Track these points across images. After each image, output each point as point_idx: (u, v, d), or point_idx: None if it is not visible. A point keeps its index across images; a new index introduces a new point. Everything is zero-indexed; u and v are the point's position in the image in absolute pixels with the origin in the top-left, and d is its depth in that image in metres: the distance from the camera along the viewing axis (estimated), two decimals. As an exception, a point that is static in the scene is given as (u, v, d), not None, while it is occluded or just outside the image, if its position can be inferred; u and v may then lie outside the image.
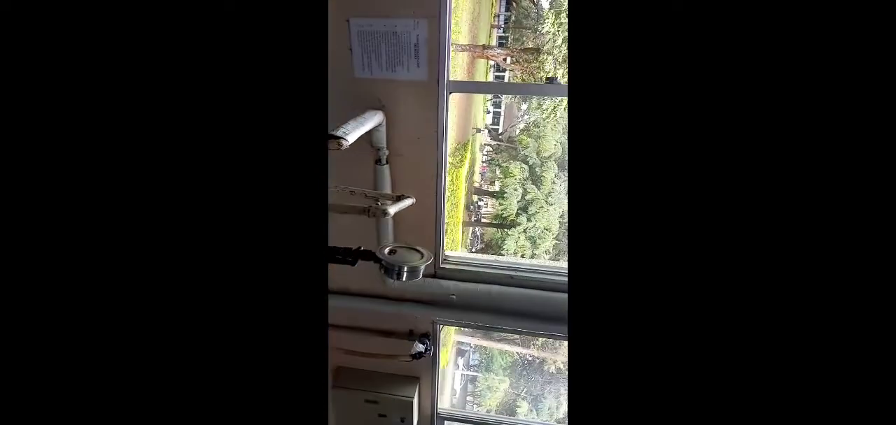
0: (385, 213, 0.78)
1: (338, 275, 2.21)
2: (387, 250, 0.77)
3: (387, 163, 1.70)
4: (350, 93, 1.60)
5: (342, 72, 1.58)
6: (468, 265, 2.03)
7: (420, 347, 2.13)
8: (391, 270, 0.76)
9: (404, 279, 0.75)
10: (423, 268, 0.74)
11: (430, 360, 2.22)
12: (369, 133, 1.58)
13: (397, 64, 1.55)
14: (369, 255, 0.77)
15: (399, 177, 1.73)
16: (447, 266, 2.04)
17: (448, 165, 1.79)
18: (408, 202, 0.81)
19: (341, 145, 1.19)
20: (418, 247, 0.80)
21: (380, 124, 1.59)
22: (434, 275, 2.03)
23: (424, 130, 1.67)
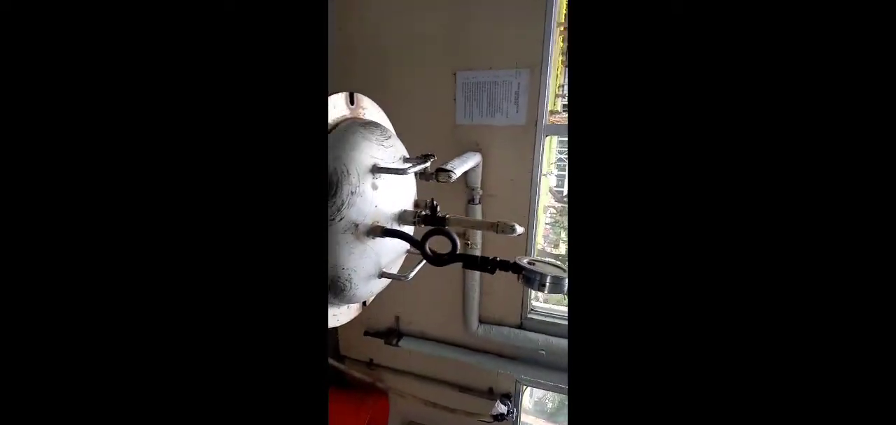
0: (513, 230, 0.77)
1: (417, 315, 2.20)
2: (526, 261, 0.74)
3: (480, 202, 1.73)
4: (452, 137, 1.72)
5: (446, 118, 1.72)
6: (559, 318, 1.87)
7: (502, 409, 1.93)
8: (533, 280, 0.72)
9: (547, 291, 0.71)
10: (567, 282, 0.69)
11: (511, 425, 1.99)
12: (465, 173, 1.65)
13: (497, 110, 1.65)
14: (509, 265, 0.74)
15: (490, 217, 1.74)
16: (534, 317, 1.91)
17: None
18: (519, 229, 0.80)
19: (450, 177, 1.25)
20: (556, 262, 0.76)
21: (477, 165, 1.65)
22: (520, 326, 1.90)
23: (518, 172, 1.69)
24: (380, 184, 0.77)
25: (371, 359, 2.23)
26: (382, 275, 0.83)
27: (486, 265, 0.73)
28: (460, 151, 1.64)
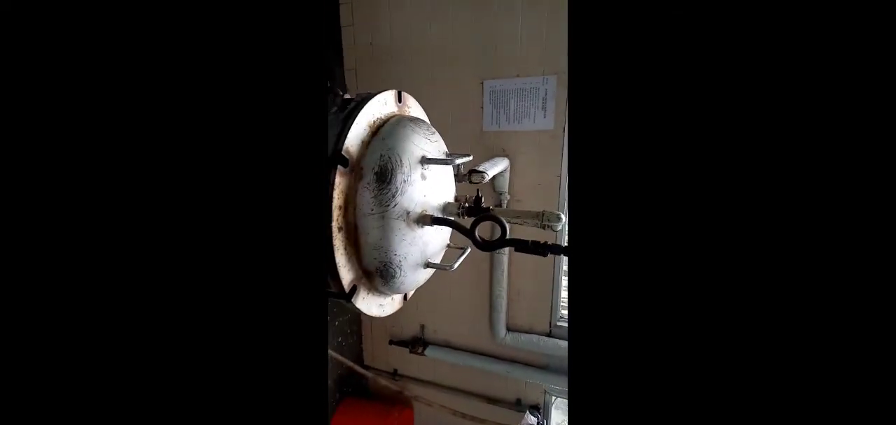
0: (559, 220, 0.78)
1: (442, 323, 2.19)
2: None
3: (507, 207, 1.74)
4: (480, 143, 1.75)
5: (474, 125, 1.76)
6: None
7: (531, 420, 1.87)
8: None
9: None
10: None
11: (541, 439, 1.92)
12: (493, 178, 1.67)
13: (524, 116, 1.68)
14: (561, 249, 0.75)
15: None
16: (564, 324, 1.87)
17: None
18: (564, 219, 0.81)
19: (483, 179, 1.27)
20: None
21: (505, 169, 1.67)
22: (549, 334, 1.86)
23: (546, 177, 1.70)
24: (428, 175, 0.80)
25: (395, 370, 2.21)
26: (427, 265, 0.85)
27: (539, 249, 0.74)
28: (488, 157, 1.66)
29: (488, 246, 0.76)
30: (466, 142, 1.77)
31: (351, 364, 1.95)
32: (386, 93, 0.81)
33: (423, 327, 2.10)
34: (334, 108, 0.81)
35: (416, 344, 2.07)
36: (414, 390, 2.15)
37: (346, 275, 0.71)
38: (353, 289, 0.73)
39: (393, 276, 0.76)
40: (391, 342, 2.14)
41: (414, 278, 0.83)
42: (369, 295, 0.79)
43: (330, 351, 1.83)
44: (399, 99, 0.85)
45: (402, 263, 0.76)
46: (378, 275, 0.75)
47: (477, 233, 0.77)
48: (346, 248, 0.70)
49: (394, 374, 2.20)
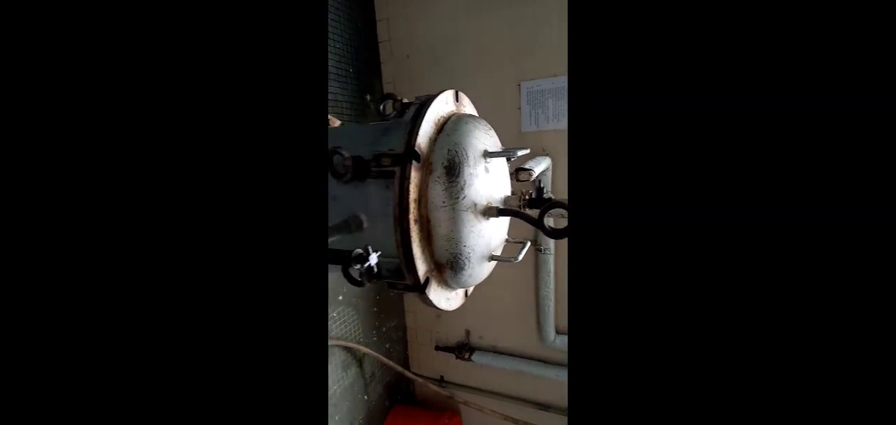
0: None
1: (488, 328, 2.17)
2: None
3: (551, 207, 1.72)
4: (519, 145, 1.76)
5: (512, 128, 1.77)
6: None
7: (586, 426, 1.80)
8: None
9: None
10: None
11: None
12: (535, 176, 1.67)
13: (563, 114, 1.67)
14: None
15: (560, 221, 1.72)
16: (616, 325, 1.80)
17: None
18: None
19: (530, 176, 1.27)
20: None
21: (548, 168, 1.67)
22: (601, 335, 1.80)
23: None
24: (490, 168, 0.82)
25: (442, 376, 2.22)
26: (491, 257, 0.86)
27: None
28: (528, 157, 1.67)
29: (557, 234, 0.76)
30: (508, 142, 1.78)
31: (400, 368, 1.97)
32: (446, 92, 0.84)
33: (468, 332, 2.10)
34: (393, 113, 0.85)
35: (463, 349, 2.07)
36: (462, 396, 2.14)
37: (421, 266, 0.74)
38: (427, 281, 0.76)
39: (462, 268, 0.78)
40: (437, 347, 2.15)
41: (480, 271, 0.84)
42: (438, 288, 0.82)
43: (380, 357, 1.88)
44: (456, 98, 0.88)
45: (471, 255, 0.78)
46: (448, 267, 0.77)
47: (545, 222, 0.77)
48: (420, 241, 0.73)
49: (440, 381, 2.20)
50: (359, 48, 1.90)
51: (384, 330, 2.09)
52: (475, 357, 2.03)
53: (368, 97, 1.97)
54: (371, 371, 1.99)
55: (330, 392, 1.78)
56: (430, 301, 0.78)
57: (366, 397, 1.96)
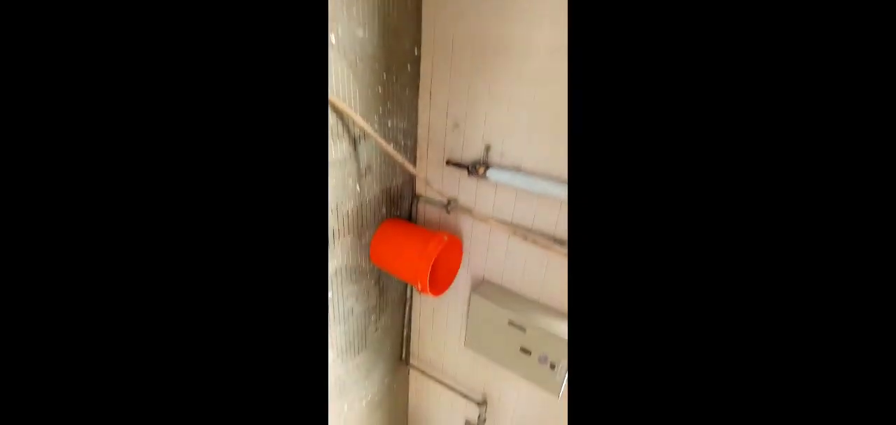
0: None
1: (511, 144, 1.79)
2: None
3: None
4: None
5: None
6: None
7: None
8: None
9: None
10: None
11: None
12: None
13: None
14: None
15: None
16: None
17: None
18: None
19: None
20: None
21: None
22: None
23: None
24: None
25: (449, 200, 1.92)
26: None
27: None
28: None
29: None
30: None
31: (408, 164, 1.67)
32: None
33: (487, 148, 1.73)
34: None
35: (477, 165, 1.72)
36: (468, 220, 1.85)
37: None
38: None
39: None
40: (448, 162, 1.82)
41: None
42: None
43: (382, 142, 1.55)
44: None
45: None
46: None
47: None
48: None
49: (447, 205, 1.91)
50: None
51: (390, 124, 1.76)
52: (490, 173, 1.68)
53: None
54: (367, 161, 1.69)
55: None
56: None
57: (358, 189, 1.69)
